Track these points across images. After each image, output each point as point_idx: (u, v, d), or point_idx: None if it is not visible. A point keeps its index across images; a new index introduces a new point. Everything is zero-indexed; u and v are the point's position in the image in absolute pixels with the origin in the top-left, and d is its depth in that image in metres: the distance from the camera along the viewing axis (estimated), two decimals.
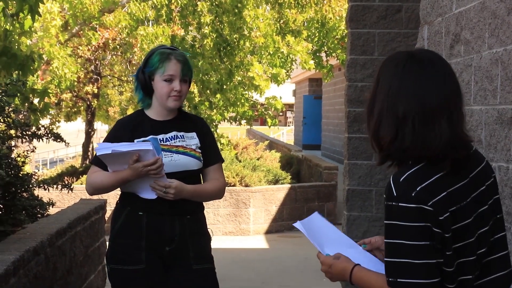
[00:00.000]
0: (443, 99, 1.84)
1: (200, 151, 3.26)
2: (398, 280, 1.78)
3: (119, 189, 3.27)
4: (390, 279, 1.80)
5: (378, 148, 1.93)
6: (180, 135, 3.24)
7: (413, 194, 1.77)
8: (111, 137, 3.24)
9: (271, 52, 14.69)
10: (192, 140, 3.26)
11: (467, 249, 1.82)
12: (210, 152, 3.33)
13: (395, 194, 1.79)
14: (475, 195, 1.86)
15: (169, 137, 3.22)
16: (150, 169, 3.03)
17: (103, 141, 3.23)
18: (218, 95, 13.53)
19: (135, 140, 3.16)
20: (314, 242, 2.08)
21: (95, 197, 6.47)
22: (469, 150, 1.89)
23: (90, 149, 16.31)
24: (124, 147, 3.03)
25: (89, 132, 16.86)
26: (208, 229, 3.39)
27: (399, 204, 1.77)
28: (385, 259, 1.82)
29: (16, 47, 5.35)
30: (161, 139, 3.20)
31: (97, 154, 3.08)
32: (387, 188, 1.83)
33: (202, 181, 3.36)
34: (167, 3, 12.57)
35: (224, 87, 13.48)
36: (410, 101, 1.83)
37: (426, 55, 1.92)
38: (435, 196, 1.78)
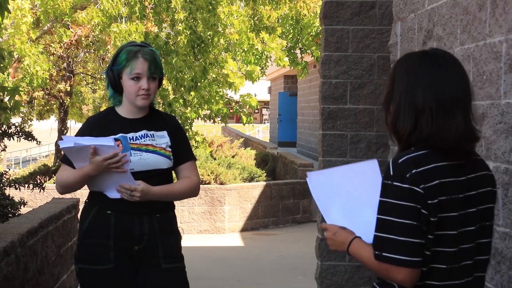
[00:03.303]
0: (460, 92, 1.97)
1: (170, 150, 3.23)
2: (383, 254, 1.90)
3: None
4: (376, 252, 1.92)
5: (397, 140, 2.04)
6: (150, 134, 3.21)
7: (407, 176, 1.89)
8: (80, 135, 3.21)
9: (246, 49, 14.65)
10: (162, 138, 3.23)
11: (446, 239, 1.92)
12: (182, 150, 3.29)
13: (391, 174, 1.92)
14: (467, 195, 1.97)
15: (139, 136, 3.19)
16: (110, 163, 2.99)
17: None
18: (192, 93, 13.46)
19: (104, 137, 3.12)
20: (320, 204, 2.16)
21: (67, 196, 6.40)
22: (475, 144, 2.02)
23: None
24: (86, 141, 3.01)
25: (62, 131, 16.70)
26: (179, 228, 3.36)
27: (394, 183, 1.90)
28: (374, 233, 1.94)
29: None
30: (131, 137, 3.16)
31: (60, 147, 3.05)
32: (385, 168, 1.96)
33: (176, 180, 3.33)
34: None
35: (199, 84, 13.41)
36: (428, 93, 1.96)
37: (440, 52, 2.05)
38: (427, 182, 1.89)
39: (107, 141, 3.01)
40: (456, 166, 1.95)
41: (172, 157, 3.23)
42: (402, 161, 1.92)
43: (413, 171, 1.89)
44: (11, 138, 5.69)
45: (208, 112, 14.70)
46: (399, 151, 2.04)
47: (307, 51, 16.47)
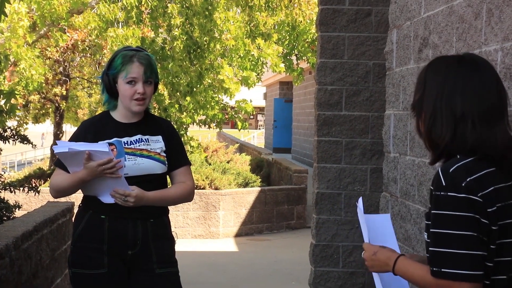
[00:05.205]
0: (499, 99, 1.89)
1: (164, 155, 3.23)
2: (442, 270, 1.78)
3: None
4: (434, 269, 1.80)
5: (432, 147, 1.94)
6: (145, 139, 3.21)
7: (463, 184, 1.78)
8: (74, 139, 3.20)
9: (242, 55, 14.66)
10: (157, 143, 3.23)
11: (504, 248, 1.82)
12: (177, 155, 3.30)
13: (444, 184, 1.80)
14: None
15: (133, 140, 3.19)
16: (104, 168, 3.00)
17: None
18: (188, 98, 13.46)
19: (99, 142, 3.12)
20: (364, 231, 2.10)
21: (62, 199, 6.40)
22: None
23: None
24: (81, 146, 3.01)
25: (58, 134, 16.68)
26: (173, 232, 3.36)
27: (448, 193, 1.79)
28: (430, 248, 1.82)
29: None
30: (125, 142, 3.17)
31: (54, 152, 3.05)
32: (435, 179, 1.84)
33: (171, 185, 3.33)
34: (137, 4, 12.49)
35: (194, 89, 13.42)
36: (468, 100, 1.86)
37: (477, 57, 1.95)
38: (484, 189, 1.79)
39: (102, 146, 3.01)
40: (501, 172, 1.87)
41: (166, 162, 3.23)
42: (454, 169, 1.81)
43: (468, 179, 1.79)
44: (7, 141, 5.69)
45: (203, 117, 14.70)
46: (434, 159, 1.96)
47: (303, 58, 16.49)
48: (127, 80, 3.14)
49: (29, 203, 10.33)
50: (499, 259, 1.81)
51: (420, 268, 1.87)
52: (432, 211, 1.83)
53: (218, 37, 13.60)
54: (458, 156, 1.87)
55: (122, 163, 3.05)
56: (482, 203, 1.77)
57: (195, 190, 3.43)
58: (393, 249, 2.03)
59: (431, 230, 1.83)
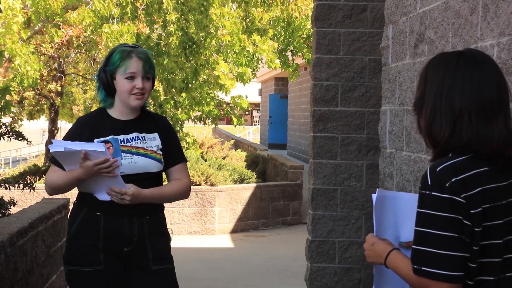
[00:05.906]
0: (499, 94, 1.86)
1: (161, 153, 3.22)
2: (422, 268, 1.79)
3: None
4: (415, 266, 1.82)
5: (432, 145, 1.93)
6: (141, 136, 3.20)
7: (447, 185, 1.78)
8: (70, 136, 3.18)
9: (237, 51, 14.65)
10: (153, 141, 3.22)
11: (491, 249, 1.81)
12: (173, 153, 3.29)
13: (429, 183, 1.81)
14: (509, 201, 1.86)
15: (130, 138, 3.17)
16: (101, 168, 2.98)
17: (62, 139, 3.16)
18: (183, 94, 13.45)
19: (95, 140, 3.11)
20: (375, 221, 2.09)
21: (58, 196, 6.38)
22: None
23: None
24: (77, 146, 2.99)
25: (53, 131, 16.66)
26: (168, 229, 3.36)
27: (432, 193, 1.79)
28: (413, 246, 1.84)
29: None
30: (122, 139, 3.15)
31: (50, 151, 3.04)
32: (423, 177, 1.85)
33: (167, 182, 3.32)
34: (132, 0, 12.46)
35: (190, 85, 13.40)
36: (466, 96, 1.85)
37: (477, 52, 1.94)
38: (469, 190, 1.78)
39: (98, 146, 2.99)
40: (497, 171, 1.84)
41: (162, 161, 3.22)
42: (441, 169, 1.81)
43: (453, 180, 1.78)
44: (1, 137, 5.67)
45: (199, 113, 14.68)
46: (434, 156, 1.93)
47: (298, 54, 16.49)
48: (126, 75, 3.13)
49: (24, 199, 10.31)
50: (485, 260, 1.81)
51: (408, 264, 1.89)
52: (417, 209, 1.84)
53: (214, 33, 13.58)
54: (450, 155, 1.86)
55: (119, 162, 3.04)
56: (465, 204, 1.77)
57: (191, 187, 3.42)
58: (390, 242, 2.04)
59: (414, 228, 1.84)
